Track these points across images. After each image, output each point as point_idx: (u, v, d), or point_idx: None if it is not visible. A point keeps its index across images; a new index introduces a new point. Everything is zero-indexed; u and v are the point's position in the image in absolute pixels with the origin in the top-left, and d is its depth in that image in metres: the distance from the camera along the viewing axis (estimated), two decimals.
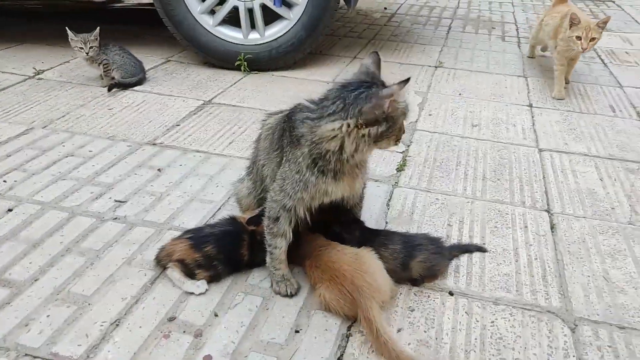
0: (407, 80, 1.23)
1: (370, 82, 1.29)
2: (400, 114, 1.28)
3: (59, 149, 2.27)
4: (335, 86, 1.32)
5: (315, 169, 1.33)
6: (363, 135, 1.26)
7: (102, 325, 1.38)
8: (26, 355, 1.29)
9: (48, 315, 1.40)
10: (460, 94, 3.07)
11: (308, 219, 1.45)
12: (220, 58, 3.27)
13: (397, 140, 1.33)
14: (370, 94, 1.24)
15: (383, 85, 1.30)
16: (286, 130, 1.41)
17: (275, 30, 3.18)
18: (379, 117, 1.24)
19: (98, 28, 2.83)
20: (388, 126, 1.26)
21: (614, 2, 5.84)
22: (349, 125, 1.25)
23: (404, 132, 1.34)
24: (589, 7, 5.62)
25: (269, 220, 1.46)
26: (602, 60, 3.83)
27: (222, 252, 1.53)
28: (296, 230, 1.48)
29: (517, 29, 4.63)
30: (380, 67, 1.36)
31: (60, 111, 2.64)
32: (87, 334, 1.35)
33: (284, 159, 1.40)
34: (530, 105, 2.95)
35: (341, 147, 1.28)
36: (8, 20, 4.10)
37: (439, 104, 2.92)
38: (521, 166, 2.28)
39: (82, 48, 2.80)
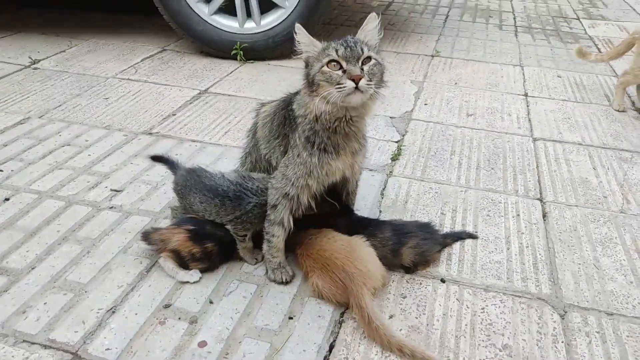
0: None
1: None
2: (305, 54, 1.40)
3: (56, 138, 2.28)
4: None
5: (315, 147, 1.35)
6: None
7: (98, 312, 1.40)
8: (24, 341, 1.31)
9: (45, 303, 1.42)
10: (456, 83, 3.08)
11: (313, 205, 1.45)
12: (216, 47, 3.26)
13: (338, 84, 1.28)
14: None
15: None
16: (287, 118, 1.43)
17: (272, 19, 3.17)
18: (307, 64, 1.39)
19: None
20: (310, 69, 1.38)
21: None
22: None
23: (347, 73, 1.31)
24: None
25: (268, 207, 1.47)
26: (598, 49, 3.83)
27: (222, 252, 1.55)
28: (297, 220, 1.48)
29: (514, 18, 4.61)
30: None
31: (57, 101, 2.64)
32: (84, 320, 1.37)
33: (290, 146, 1.41)
34: (526, 95, 2.96)
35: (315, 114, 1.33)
36: (2, 8, 4.07)
37: (434, 93, 2.92)
38: (515, 155, 2.29)
39: None
